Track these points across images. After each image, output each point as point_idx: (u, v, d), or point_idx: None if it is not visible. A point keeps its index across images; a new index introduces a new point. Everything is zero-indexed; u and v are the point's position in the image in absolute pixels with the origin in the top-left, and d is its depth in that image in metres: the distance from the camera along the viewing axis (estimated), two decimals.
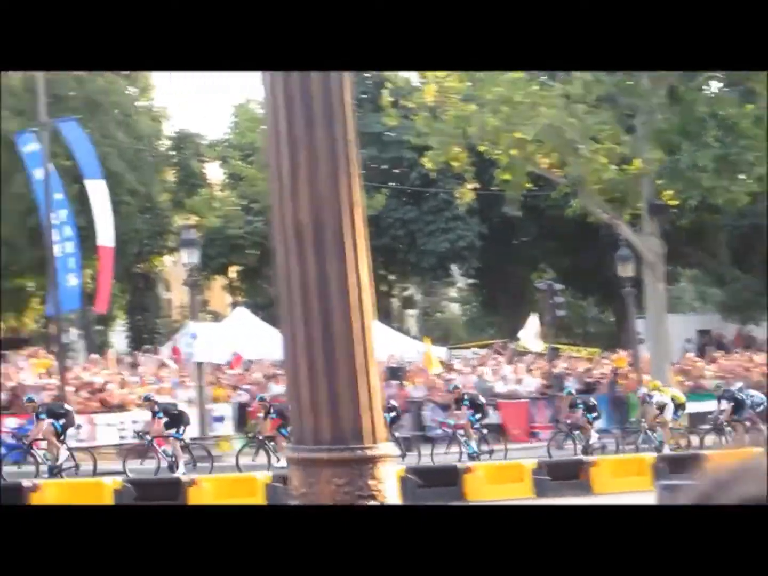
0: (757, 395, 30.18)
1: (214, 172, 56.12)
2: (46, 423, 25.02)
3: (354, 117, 5.15)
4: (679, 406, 29.36)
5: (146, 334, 52.99)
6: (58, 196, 31.97)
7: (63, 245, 31.70)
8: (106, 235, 33.31)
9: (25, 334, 53.59)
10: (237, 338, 36.37)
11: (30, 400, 26.25)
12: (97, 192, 33.28)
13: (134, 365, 34.66)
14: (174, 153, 54.39)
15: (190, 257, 29.75)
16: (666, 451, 27.62)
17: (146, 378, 31.53)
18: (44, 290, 46.54)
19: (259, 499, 19.76)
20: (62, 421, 25.32)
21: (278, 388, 29.25)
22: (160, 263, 56.42)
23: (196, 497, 19.82)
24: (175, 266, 58.74)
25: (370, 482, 5.44)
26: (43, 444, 25.53)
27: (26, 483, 20.03)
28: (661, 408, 28.76)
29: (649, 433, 28.68)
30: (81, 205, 37.17)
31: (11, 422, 27.70)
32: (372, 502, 5.32)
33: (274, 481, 20.08)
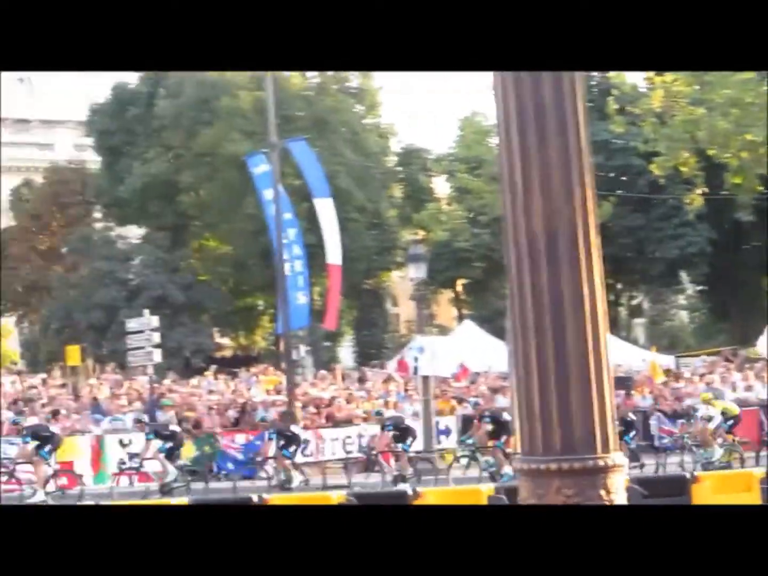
0: None
1: (440, 186, 56.46)
2: (273, 442, 25.62)
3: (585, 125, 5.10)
4: (730, 419, 27.74)
5: (373, 349, 53.58)
6: (288, 215, 32.59)
7: (292, 264, 32.31)
8: (334, 252, 33.77)
9: (255, 352, 54.96)
10: (463, 351, 36.39)
11: (263, 419, 27.25)
12: (326, 210, 33.77)
13: (361, 380, 35.02)
14: (401, 168, 54.95)
15: (417, 272, 29.85)
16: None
17: (373, 392, 31.80)
18: (274, 308, 47.65)
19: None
20: (287, 441, 25.83)
21: (504, 400, 29.06)
22: (387, 278, 57.01)
23: None
24: (402, 281, 59.25)
25: (601, 492, 5.39)
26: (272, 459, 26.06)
27: (255, 498, 20.39)
28: (708, 420, 27.27)
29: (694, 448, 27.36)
30: (309, 223, 37.87)
31: (240, 438, 28.38)
32: None
33: (497, 493, 19.87)
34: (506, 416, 25.77)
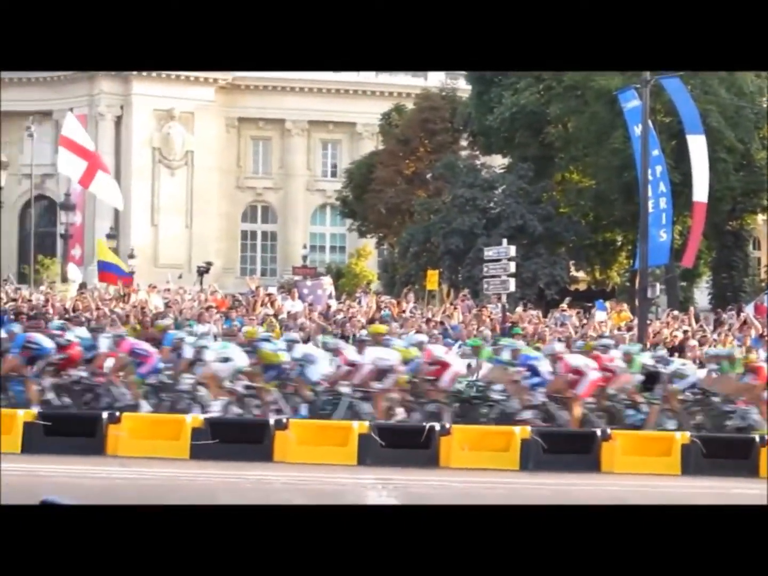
0: None
1: None
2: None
3: None
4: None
5: (730, 292, 51.97)
6: (655, 152, 32.00)
7: (657, 201, 31.72)
8: (701, 190, 32.93)
9: (609, 287, 54.43)
10: None
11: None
12: (698, 147, 32.92)
13: (716, 323, 34.06)
14: None
15: None
16: None
17: (727, 336, 30.88)
18: (632, 244, 46.97)
19: None
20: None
21: None
22: (752, 221, 55.04)
23: None
24: (765, 224, 57.05)
25: None
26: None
27: None
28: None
29: None
30: (675, 161, 37.01)
31: None
32: None
33: None
34: None
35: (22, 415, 20.43)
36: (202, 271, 50.71)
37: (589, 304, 37.99)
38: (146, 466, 18.43)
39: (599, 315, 33.69)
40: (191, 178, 75.50)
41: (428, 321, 30.71)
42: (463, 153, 58.08)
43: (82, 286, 36.71)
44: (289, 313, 32.05)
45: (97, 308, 29.88)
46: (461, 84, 61.00)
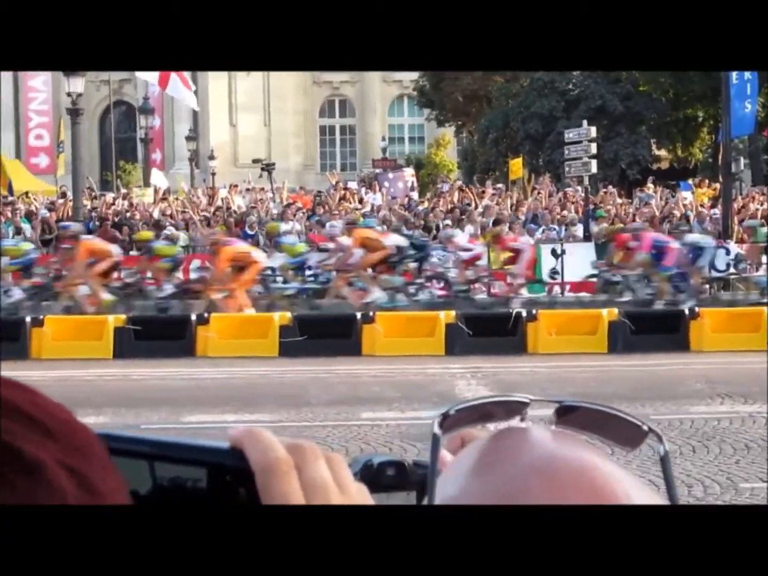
0: None
1: None
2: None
3: None
4: None
5: None
6: None
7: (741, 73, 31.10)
8: None
9: (692, 164, 53.70)
10: None
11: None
12: None
13: None
14: None
15: None
16: None
17: None
18: (714, 120, 46.17)
19: None
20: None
21: None
22: None
23: None
24: None
25: None
26: None
27: None
28: None
29: None
30: None
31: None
32: None
33: None
34: None
35: (112, 320, 20.82)
36: (268, 169, 50.81)
37: (672, 182, 37.60)
38: (236, 365, 18.74)
39: (684, 195, 33.33)
40: (267, 75, 75.44)
41: (513, 207, 30.64)
42: None
43: (166, 191, 37.04)
44: (372, 206, 32.14)
45: (183, 212, 30.19)
46: None
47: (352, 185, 40.44)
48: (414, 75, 67.34)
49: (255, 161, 61.40)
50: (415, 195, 37.20)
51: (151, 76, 35.50)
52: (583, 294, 24.67)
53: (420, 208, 31.37)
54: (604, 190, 35.63)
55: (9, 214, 30.32)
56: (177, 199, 34.24)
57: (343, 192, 33.88)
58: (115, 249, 23.90)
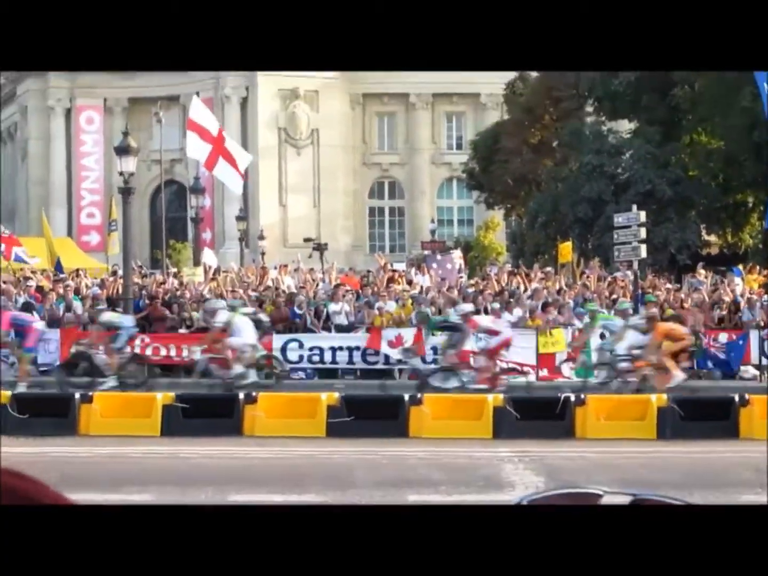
0: None
1: None
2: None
3: None
4: None
5: None
6: None
7: None
8: None
9: (742, 249, 53.41)
10: None
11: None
12: None
13: None
14: None
15: None
16: None
17: None
18: (764, 205, 45.98)
19: None
20: None
21: None
22: None
23: None
24: None
25: None
26: None
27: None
28: None
29: None
30: None
31: (722, 337, 27.98)
32: None
33: None
34: None
35: (161, 398, 20.90)
36: (320, 249, 51.01)
37: (722, 268, 37.39)
38: (283, 445, 18.70)
39: (735, 280, 33.14)
40: (317, 156, 76.12)
41: (560, 291, 30.57)
42: (589, 119, 57.44)
43: (217, 270, 37.29)
44: (421, 288, 32.19)
45: (233, 291, 30.35)
46: None
47: (400, 267, 40.54)
48: (463, 157, 67.68)
49: (306, 240, 61.97)
50: (463, 277, 37.21)
51: (201, 157, 35.81)
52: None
53: (469, 290, 31.36)
54: (654, 275, 35.50)
55: (61, 291, 30.63)
56: (227, 277, 34.45)
57: (391, 273, 33.97)
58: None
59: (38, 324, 24.60)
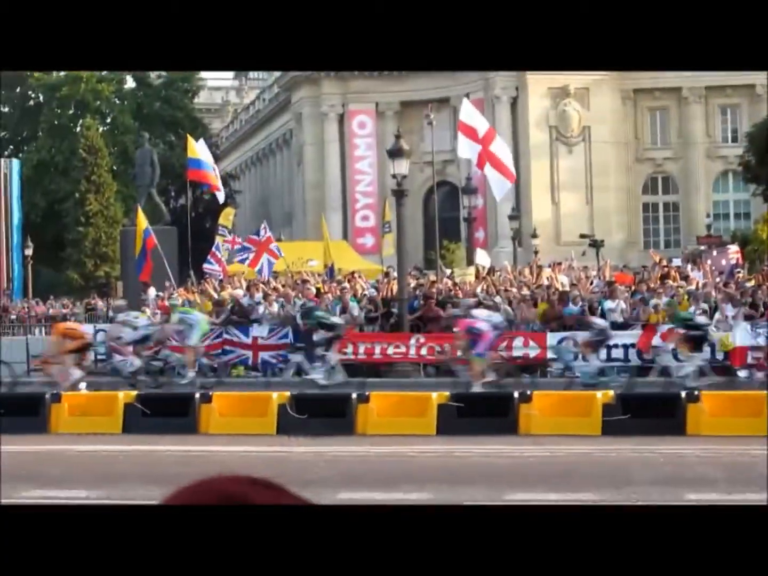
0: None
1: None
2: None
3: None
4: None
5: None
6: None
7: None
8: None
9: None
10: None
11: None
12: None
13: None
14: None
15: None
16: None
17: None
18: None
19: None
20: None
21: None
22: None
23: None
24: None
25: None
26: None
27: None
28: None
29: None
30: None
31: None
32: None
33: None
34: None
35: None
36: (596, 245, 50.55)
37: None
38: (557, 444, 18.67)
39: None
40: (589, 153, 75.47)
41: None
42: None
43: (490, 269, 37.51)
44: (696, 283, 31.56)
45: (506, 290, 30.50)
46: None
47: (676, 262, 39.80)
48: (739, 150, 65.77)
49: (582, 236, 61.51)
50: (741, 272, 36.20)
51: (472, 156, 36.00)
52: None
53: (747, 285, 30.51)
54: None
55: (338, 293, 31.46)
56: (501, 276, 34.62)
57: (666, 269, 33.37)
58: None
59: (492, 333, 25.49)
